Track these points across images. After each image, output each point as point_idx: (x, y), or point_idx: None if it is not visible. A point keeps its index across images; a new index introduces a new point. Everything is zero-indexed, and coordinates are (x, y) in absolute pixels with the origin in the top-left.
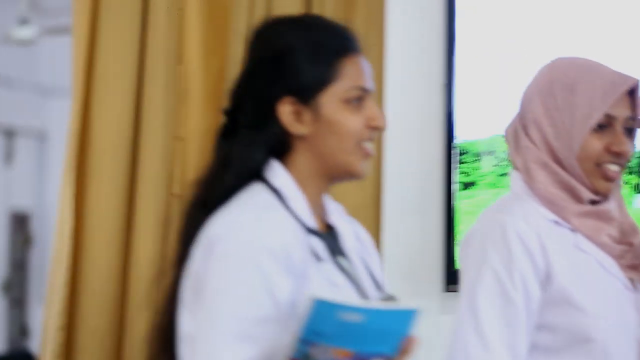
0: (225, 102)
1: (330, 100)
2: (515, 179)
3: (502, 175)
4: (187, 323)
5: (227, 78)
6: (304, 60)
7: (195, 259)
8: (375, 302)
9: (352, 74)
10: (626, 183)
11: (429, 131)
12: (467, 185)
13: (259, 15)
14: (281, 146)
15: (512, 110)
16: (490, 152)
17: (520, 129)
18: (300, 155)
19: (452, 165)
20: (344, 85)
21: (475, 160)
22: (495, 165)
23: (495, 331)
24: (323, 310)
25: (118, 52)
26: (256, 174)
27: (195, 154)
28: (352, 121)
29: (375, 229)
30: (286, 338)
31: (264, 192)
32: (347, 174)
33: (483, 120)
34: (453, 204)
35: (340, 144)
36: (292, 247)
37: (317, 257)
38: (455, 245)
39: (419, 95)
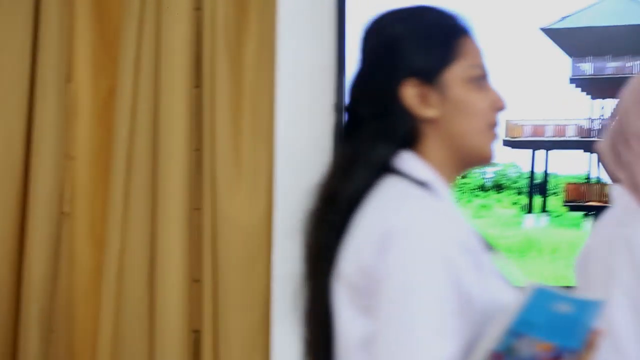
0: (115, 121)
1: (454, 79)
2: (620, 194)
3: None
4: (354, 327)
5: (117, 97)
6: (423, 41)
7: (358, 257)
8: (576, 294)
9: (471, 52)
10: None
11: (319, 152)
12: None
13: (148, 35)
14: (409, 135)
15: None
16: None
17: (620, 143)
18: (432, 142)
19: None
20: (465, 63)
21: None
22: None
23: (633, 346)
24: (541, 299)
25: (7, 69)
26: (385, 168)
27: (85, 173)
28: (480, 100)
29: (266, 248)
30: (469, 332)
31: (410, 186)
32: (478, 158)
33: None
34: None
35: (471, 124)
36: (471, 239)
37: (488, 248)
38: None
39: (310, 116)
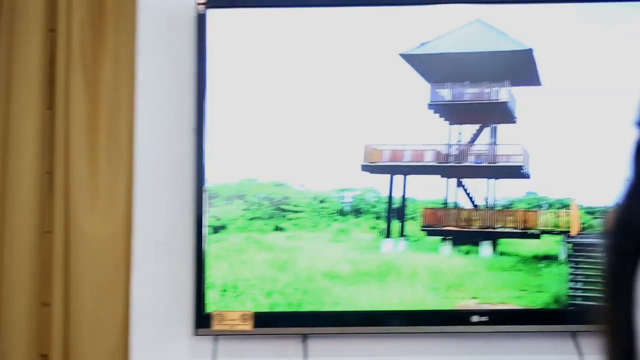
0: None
1: None
2: None
3: (251, 219)
4: None
5: None
6: None
7: None
8: None
9: None
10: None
11: (179, 175)
12: (217, 229)
13: (0, 56)
14: None
15: (262, 155)
16: (240, 196)
17: None
18: None
19: (203, 209)
20: None
21: (226, 203)
22: (244, 209)
23: None
24: None
25: None
26: None
27: None
28: None
29: (125, 270)
30: None
31: None
32: None
33: (233, 164)
34: (203, 248)
35: None
36: None
37: None
38: (205, 288)
39: (170, 139)
